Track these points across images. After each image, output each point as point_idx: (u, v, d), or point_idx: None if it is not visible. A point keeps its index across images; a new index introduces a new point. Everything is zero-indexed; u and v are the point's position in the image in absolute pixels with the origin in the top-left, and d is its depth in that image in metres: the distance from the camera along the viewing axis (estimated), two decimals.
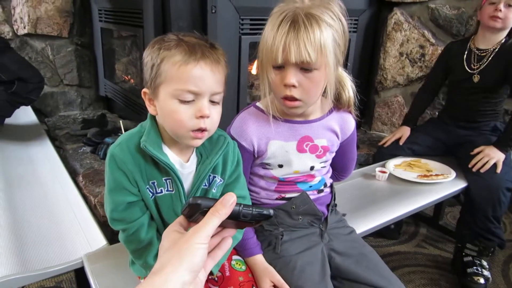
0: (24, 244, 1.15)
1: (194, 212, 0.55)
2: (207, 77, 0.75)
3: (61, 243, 1.17)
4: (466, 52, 1.82)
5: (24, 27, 2.49)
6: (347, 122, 1.07)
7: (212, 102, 0.78)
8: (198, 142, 0.80)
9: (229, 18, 1.79)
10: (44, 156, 1.82)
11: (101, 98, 2.87)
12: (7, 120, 2.08)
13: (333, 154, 1.10)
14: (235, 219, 0.55)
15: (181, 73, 0.73)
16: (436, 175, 1.71)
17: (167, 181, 0.83)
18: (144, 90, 0.82)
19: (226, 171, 0.90)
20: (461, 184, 1.69)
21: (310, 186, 1.08)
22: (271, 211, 0.58)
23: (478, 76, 1.78)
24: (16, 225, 1.25)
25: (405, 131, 1.97)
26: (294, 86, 0.87)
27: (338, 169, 1.21)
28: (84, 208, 1.34)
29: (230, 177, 0.92)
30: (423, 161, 1.85)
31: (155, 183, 0.83)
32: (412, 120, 2.03)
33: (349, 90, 1.01)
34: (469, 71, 1.81)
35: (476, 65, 1.79)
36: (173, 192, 0.84)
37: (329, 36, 0.84)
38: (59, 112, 2.74)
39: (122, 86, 2.47)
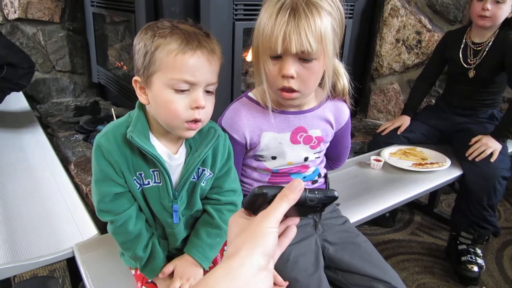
0: (15, 233, 1.15)
1: (259, 202, 0.54)
2: (203, 67, 0.73)
3: (52, 232, 1.16)
4: (462, 46, 1.81)
5: (15, 12, 2.44)
6: (342, 112, 1.05)
7: (207, 92, 0.77)
8: (192, 133, 0.79)
9: (222, 3, 1.75)
10: (35, 144, 1.80)
11: (94, 84, 2.83)
12: None
13: (327, 144, 1.09)
14: (302, 205, 0.54)
15: (177, 62, 0.71)
16: (431, 163, 1.71)
17: (155, 172, 0.81)
18: (135, 78, 0.79)
19: (216, 165, 0.87)
20: (456, 172, 1.69)
21: (304, 177, 1.07)
22: (336, 192, 0.55)
23: (474, 71, 1.77)
24: (7, 213, 1.24)
25: (405, 120, 1.96)
26: (292, 77, 0.84)
27: (332, 158, 1.20)
28: (76, 197, 1.33)
29: (220, 170, 0.90)
30: (418, 149, 1.84)
31: (142, 175, 0.81)
32: (412, 109, 2.02)
33: (344, 78, 0.99)
34: (465, 65, 1.79)
35: (473, 60, 1.77)
36: (161, 184, 0.82)
37: (328, 24, 0.82)
38: (52, 99, 2.70)
39: (115, 73, 2.43)
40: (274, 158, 1.01)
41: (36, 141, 1.82)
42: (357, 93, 2.57)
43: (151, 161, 0.79)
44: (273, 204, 0.52)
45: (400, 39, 2.33)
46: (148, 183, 0.82)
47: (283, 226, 0.58)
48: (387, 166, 1.71)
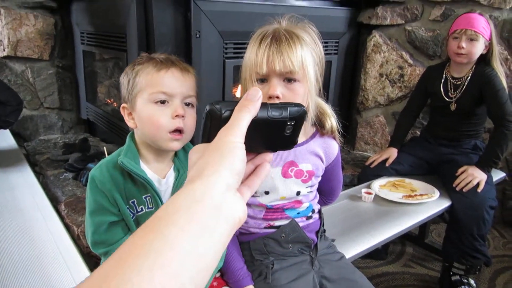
0: (5, 277, 1.12)
1: (216, 120, 0.45)
2: (178, 80, 0.82)
3: (44, 276, 1.13)
4: (443, 80, 1.88)
5: (4, 50, 2.45)
6: (331, 147, 1.08)
7: (186, 104, 0.84)
8: (176, 145, 0.83)
9: (213, 42, 1.80)
10: (24, 183, 1.77)
11: (82, 121, 2.82)
12: None
13: (319, 179, 1.10)
14: (265, 122, 0.46)
15: (154, 79, 0.81)
16: (421, 194, 1.73)
17: (147, 198, 0.84)
18: (123, 105, 0.88)
19: None
20: (445, 203, 1.72)
21: (298, 213, 1.07)
22: (304, 107, 0.49)
23: (455, 104, 1.84)
24: None
25: (393, 153, 1.99)
26: (278, 97, 0.88)
27: (325, 193, 1.21)
28: (67, 239, 1.30)
29: None
30: (407, 180, 1.88)
31: (135, 202, 0.84)
32: (398, 141, 2.06)
33: (331, 119, 1.04)
34: (447, 99, 1.86)
35: (453, 94, 1.84)
36: (153, 209, 0.85)
37: (308, 52, 0.89)
38: (39, 136, 2.68)
39: (105, 109, 2.44)
40: (267, 193, 1.02)
41: (24, 180, 1.79)
42: (344, 126, 2.63)
43: (142, 186, 0.83)
44: (232, 117, 0.44)
45: (383, 73, 2.41)
46: (142, 210, 0.85)
47: (250, 165, 0.49)
48: (378, 198, 1.73)
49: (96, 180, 0.82)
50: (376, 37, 2.37)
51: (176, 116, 0.81)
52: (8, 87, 2.03)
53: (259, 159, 0.50)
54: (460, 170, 1.76)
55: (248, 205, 1.05)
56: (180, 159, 0.91)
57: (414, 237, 2.23)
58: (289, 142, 0.51)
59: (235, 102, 0.46)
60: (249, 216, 1.06)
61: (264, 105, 0.47)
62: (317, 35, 0.94)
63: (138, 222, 0.85)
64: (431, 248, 2.15)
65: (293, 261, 1.06)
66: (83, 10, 2.37)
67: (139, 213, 0.85)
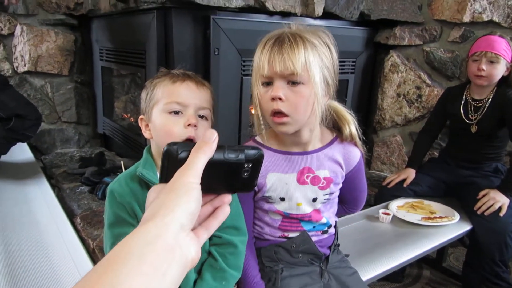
0: None
1: (173, 161, 0.47)
2: (192, 91, 0.85)
3: None
4: (463, 102, 1.85)
5: (25, 65, 2.50)
6: (352, 153, 1.04)
7: (200, 116, 0.86)
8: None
9: (231, 59, 1.81)
10: (40, 196, 1.78)
11: (99, 135, 2.85)
12: (2, 157, 2.05)
13: (339, 186, 1.07)
14: (221, 164, 0.48)
15: (169, 90, 0.84)
16: (440, 217, 1.69)
17: None
18: (141, 116, 0.91)
19: None
20: (466, 227, 1.67)
21: (314, 227, 1.06)
22: (262, 151, 0.51)
23: (476, 126, 1.81)
24: (11, 270, 1.21)
25: (411, 173, 1.96)
26: (280, 99, 0.87)
27: (348, 202, 1.17)
28: (83, 253, 1.30)
29: None
30: (426, 202, 1.84)
31: None
32: (416, 162, 2.03)
33: (351, 125, 1.00)
34: (467, 121, 1.83)
35: (474, 116, 1.81)
36: None
37: (314, 54, 0.87)
38: (56, 149, 2.70)
39: (121, 124, 2.46)
40: (282, 199, 1.01)
41: (41, 193, 1.80)
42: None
43: None
44: (189, 159, 0.45)
45: (401, 93, 2.39)
46: None
47: (209, 207, 0.50)
48: (396, 219, 1.69)
49: (115, 193, 0.83)
50: (394, 57, 2.37)
51: (188, 125, 0.82)
52: (28, 101, 2.07)
53: (218, 201, 0.51)
54: (481, 194, 1.71)
55: (266, 212, 1.04)
56: None
57: (431, 260, 2.17)
58: (248, 185, 0.52)
59: (192, 144, 0.48)
60: (266, 223, 1.06)
61: (221, 147, 0.48)
62: (330, 40, 0.92)
63: None
64: (449, 273, 2.09)
65: (303, 271, 1.05)
66: (103, 27, 2.41)
67: None
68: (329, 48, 0.91)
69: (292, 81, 0.87)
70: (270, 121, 0.92)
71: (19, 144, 2.27)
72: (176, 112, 0.83)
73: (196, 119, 0.84)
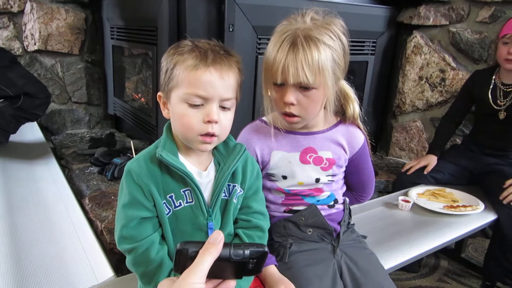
0: (25, 273, 1.07)
1: (182, 259, 0.54)
2: (216, 82, 0.75)
3: (65, 273, 1.08)
4: (491, 86, 1.75)
5: (35, 44, 2.45)
6: (355, 136, 1.05)
7: (223, 108, 0.79)
8: (207, 147, 0.80)
9: (246, 37, 1.73)
10: (49, 176, 1.74)
11: (109, 116, 2.80)
12: (13, 137, 2.02)
13: (342, 169, 1.07)
14: (228, 260, 0.54)
15: (191, 77, 0.75)
16: (464, 206, 1.61)
17: (186, 192, 0.81)
18: (159, 93, 0.83)
19: (246, 181, 0.89)
20: (490, 217, 1.60)
21: (318, 201, 1.06)
22: (266, 248, 0.56)
23: (505, 113, 1.72)
24: (17, 251, 1.17)
25: (432, 160, 1.88)
26: (292, 104, 0.90)
27: (355, 188, 1.16)
28: (90, 234, 1.26)
29: (249, 189, 0.91)
30: (448, 190, 1.76)
31: (173, 197, 0.80)
32: (439, 149, 1.95)
33: (354, 103, 1.03)
34: (495, 107, 1.73)
35: (503, 101, 1.72)
36: (193, 203, 0.81)
37: (328, 57, 0.87)
38: (66, 130, 2.67)
39: (132, 105, 2.40)
40: (285, 177, 1.02)
41: (49, 173, 1.77)
42: (378, 129, 2.51)
43: (181, 179, 0.80)
44: (196, 259, 0.52)
45: (423, 76, 2.29)
46: (180, 205, 0.81)
47: None
48: (416, 207, 1.62)
49: (132, 173, 0.79)
50: (417, 38, 2.25)
51: (208, 121, 0.76)
52: (37, 80, 2.03)
53: (223, 286, 0.57)
54: (508, 182, 1.63)
55: (268, 189, 1.06)
56: (220, 152, 0.88)
57: (449, 251, 2.10)
58: (254, 271, 0.58)
59: (201, 243, 0.54)
60: (269, 201, 1.06)
61: (227, 245, 0.55)
62: (341, 29, 0.91)
63: (177, 218, 0.82)
64: (468, 264, 2.02)
65: (313, 246, 1.04)
66: (114, 4, 2.34)
67: (177, 208, 0.81)
68: (341, 40, 0.91)
69: (305, 87, 0.88)
70: (280, 116, 0.96)
71: (29, 124, 2.24)
72: (196, 105, 0.76)
73: (218, 114, 0.77)
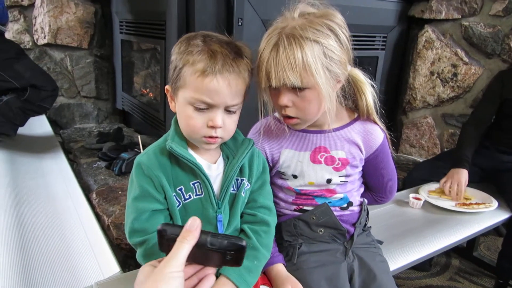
0: (31, 267, 1.06)
1: (162, 240, 0.56)
2: (222, 90, 0.75)
3: (71, 268, 1.07)
4: None
5: (44, 37, 2.45)
6: (372, 134, 0.98)
7: (228, 111, 0.79)
8: (211, 146, 0.81)
9: (255, 31, 1.71)
10: (57, 170, 1.74)
11: (117, 111, 2.81)
12: (22, 130, 2.02)
13: (358, 169, 1.01)
14: (204, 248, 0.55)
15: (198, 83, 0.74)
16: (477, 203, 1.58)
17: (195, 185, 0.81)
18: (167, 87, 0.83)
19: (253, 175, 0.88)
20: (504, 215, 1.56)
21: (330, 202, 1.00)
22: (244, 242, 0.56)
23: None
24: (24, 245, 1.17)
25: (462, 175, 1.64)
26: (287, 106, 0.86)
27: (374, 189, 1.10)
28: (97, 229, 1.25)
29: (255, 183, 0.90)
30: None
31: (183, 189, 0.81)
32: (467, 161, 1.70)
33: (367, 96, 0.94)
34: None
35: None
36: (202, 195, 0.82)
37: (315, 54, 0.81)
38: (75, 124, 2.68)
39: (140, 100, 2.40)
40: (295, 176, 0.99)
41: (57, 167, 1.77)
42: (388, 126, 2.47)
43: (191, 171, 0.80)
44: (174, 247, 0.54)
45: (434, 71, 2.25)
46: (189, 197, 0.81)
47: (195, 279, 0.58)
48: (427, 205, 1.59)
49: (143, 165, 0.79)
50: (429, 32, 2.21)
51: (211, 126, 0.77)
52: (44, 72, 2.02)
53: (202, 273, 0.59)
54: None
55: (280, 187, 1.03)
56: (229, 146, 0.87)
57: (461, 249, 2.06)
58: (233, 263, 0.58)
59: (181, 228, 0.55)
60: (281, 199, 1.03)
61: (205, 233, 0.56)
62: (337, 21, 0.84)
63: (186, 210, 0.82)
64: (480, 262, 1.98)
65: (324, 247, 1.00)
66: None
67: (187, 201, 0.81)
68: (335, 33, 0.83)
69: (298, 87, 0.83)
70: (282, 119, 0.93)
71: (38, 118, 2.25)
72: (202, 109, 0.76)
73: (221, 120, 0.77)
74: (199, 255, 0.56)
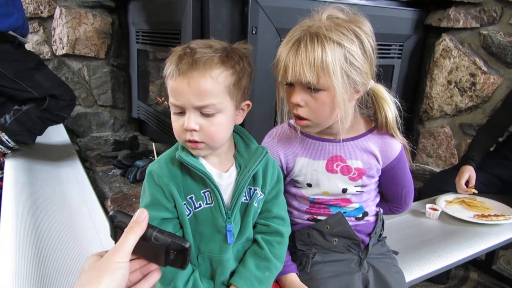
0: (47, 276, 1.07)
1: (112, 226, 0.57)
2: (184, 90, 0.73)
3: None
4: None
5: (63, 48, 2.51)
6: (390, 145, 0.97)
7: (205, 115, 0.75)
8: (199, 152, 0.79)
9: (269, 39, 1.72)
10: (73, 178, 1.76)
11: (133, 120, 2.84)
12: (40, 139, 2.06)
13: (374, 179, 1.00)
14: (148, 242, 0.56)
15: (169, 87, 0.76)
16: (496, 215, 1.54)
17: (205, 193, 0.81)
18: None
19: (266, 185, 0.87)
20: None
21: (345, 212, 0.99)
22: (187, 244, 0.57)
23: None
24: (40, 252, 1.18)
25: (470, 171, 1.69)
26: (299, 105, 0.85)
27: (391, 199, 1.08)
28: None
29: (269, 193, 0.89)
30: (479, 199, 1.68)
31: (193, 198, 0.81)
32: (474, 160, 1.74)
33: (388, 113, 0.92)
34: None
35: None
36: (212, 204, 0.81)
37: (337, 56, 0.80)
38: (92, 133, 2.72)
39: (155, 108, 2.43)
40: (309, 185, 0.97)
41: (74, 175, 1.79)
42: (404, 135, 2.45)
43: (201, 181, 0.80)
44: (122, 237, 0.54)
45: (452, 80, 2.21)
46: (200, 206, 0.81)
47: (138, 274, 0.59)
48: (444, 216, 1.55)
49: (154, 174, 0.79)
50: (446, 41, 2.18)
51: (184, 129, 0.75)
52: (63, 82, 2.07)
53: (145, 269, 0.60)
54: None
55: (294, 196, 1.02)
56: (242, 155, 0.86)
57: (479, 262, 2.00)
58: (177, 264, 0.59)
59: (131, 217, 0.57)
60: (294, 207, 1.02)
61: (152, 228, 0.58)
62: (365, 29, 0.84)
63: (196, 219, 0.82)
64: (500, 276, 1.93)
65: (338, 257, 0.98)
66: (140, 9, 2.38)
67: (197, 209, 0.81)
68: (360, 40, 0.82)
69: (313, 88, 0.82)
70: (294, 119, 0.92)
71: (56, 127, 2.29)
72: (178, 112, 0.76)
73: (197, 122, 0.74)
74: (145, 249, 0.57)
